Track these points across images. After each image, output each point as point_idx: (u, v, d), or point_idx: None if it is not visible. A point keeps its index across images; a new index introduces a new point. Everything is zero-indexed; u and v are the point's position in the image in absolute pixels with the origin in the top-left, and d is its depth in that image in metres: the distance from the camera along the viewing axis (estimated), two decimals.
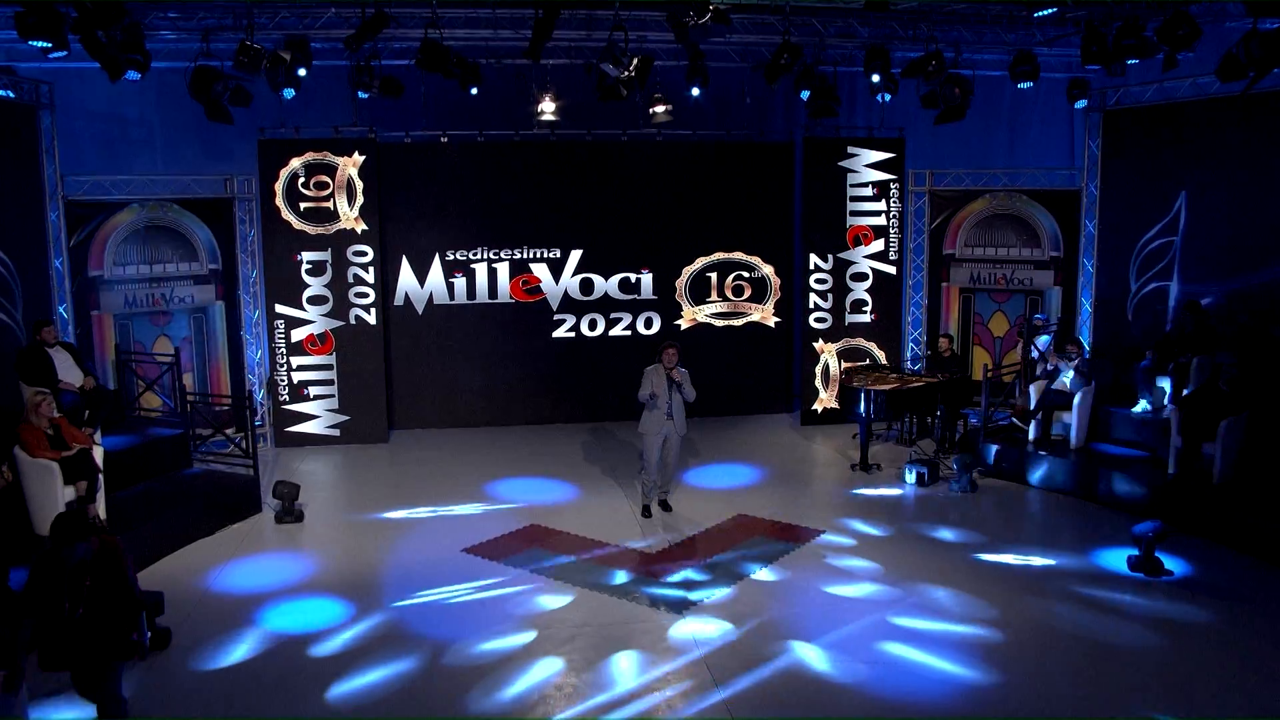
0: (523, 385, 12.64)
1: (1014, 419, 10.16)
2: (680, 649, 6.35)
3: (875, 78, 10.92)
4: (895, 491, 9.72)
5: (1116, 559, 7.77)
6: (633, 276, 12.70)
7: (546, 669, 6.11)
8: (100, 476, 7.74)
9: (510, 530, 8.64)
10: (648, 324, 12.73)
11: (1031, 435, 10.06)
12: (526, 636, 6.56)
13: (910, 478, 9.91)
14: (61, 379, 8.64)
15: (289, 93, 10.31)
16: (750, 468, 10.61)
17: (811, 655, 6.23)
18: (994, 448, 10.10)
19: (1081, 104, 11.38)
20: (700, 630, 6.60)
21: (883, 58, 10.79)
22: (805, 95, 11.38)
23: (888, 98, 11.14)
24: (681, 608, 6.97)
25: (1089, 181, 11.52)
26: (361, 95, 10.97)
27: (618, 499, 9.57)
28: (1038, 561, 7.80)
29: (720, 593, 7.23)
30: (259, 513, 9.17)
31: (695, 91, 11.03)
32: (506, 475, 10.37)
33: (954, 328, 12.51)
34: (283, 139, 11.19)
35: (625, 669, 6.09)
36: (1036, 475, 9.73)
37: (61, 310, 9.92)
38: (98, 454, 7.85)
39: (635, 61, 8.95)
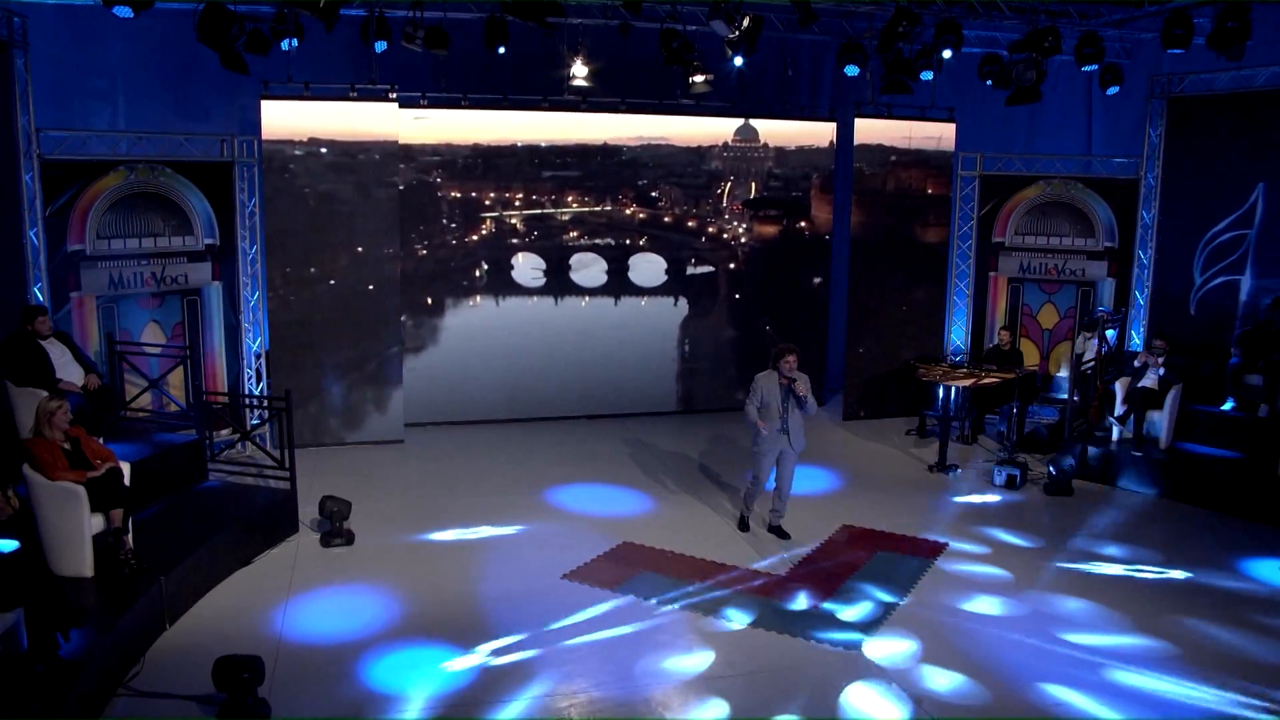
0: (545, 377, 11.53)
1: (1113, 420, 9.62)
2: (894, 703, 5.48)
3: (947, 53, 10.26)
4: (989, 496, 9.09)
5: (1268, 571, 7.32)
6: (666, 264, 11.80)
7: None
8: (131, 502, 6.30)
9: (603, 551, 7.58)
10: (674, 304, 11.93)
11: (1117, 435, 9.61)
12: (697, 684, 5.57)
13: (1000, 480, 9.32)
14: (60, 378, 7.08)
15: (288, 43, 8.91)
16: (819, 470, 9.77)
17: (1045, 698, 5.48)
18: (1078, 447, 9.59)
19: (1113, 90, 10.96)
20: (902, 676, 5.74)
21: (955, 32, 10.10)
22: (852, 70, 10.63)
23: (930, 75, 10.47)
24: (851, 643, 6.11)
25: (1147, 170, 11.13)
26: (379, 47, 9.63)
27: (699, 508, 8.63)
28: (1196, 579, 7.24)
29: (886, 624, 6.39)
30: (295, 533, 7.82)
31: (738, 61, 10.05)
32: (560, 482, 9.26)
33: (1000, 319, 12.01)
34: (290, 95, 9.65)
35: None
36: (1129, 478, 9.27)
37: (36, 291, 8.22)
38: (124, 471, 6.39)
39: (747, 21, 7.93)
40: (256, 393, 10.13)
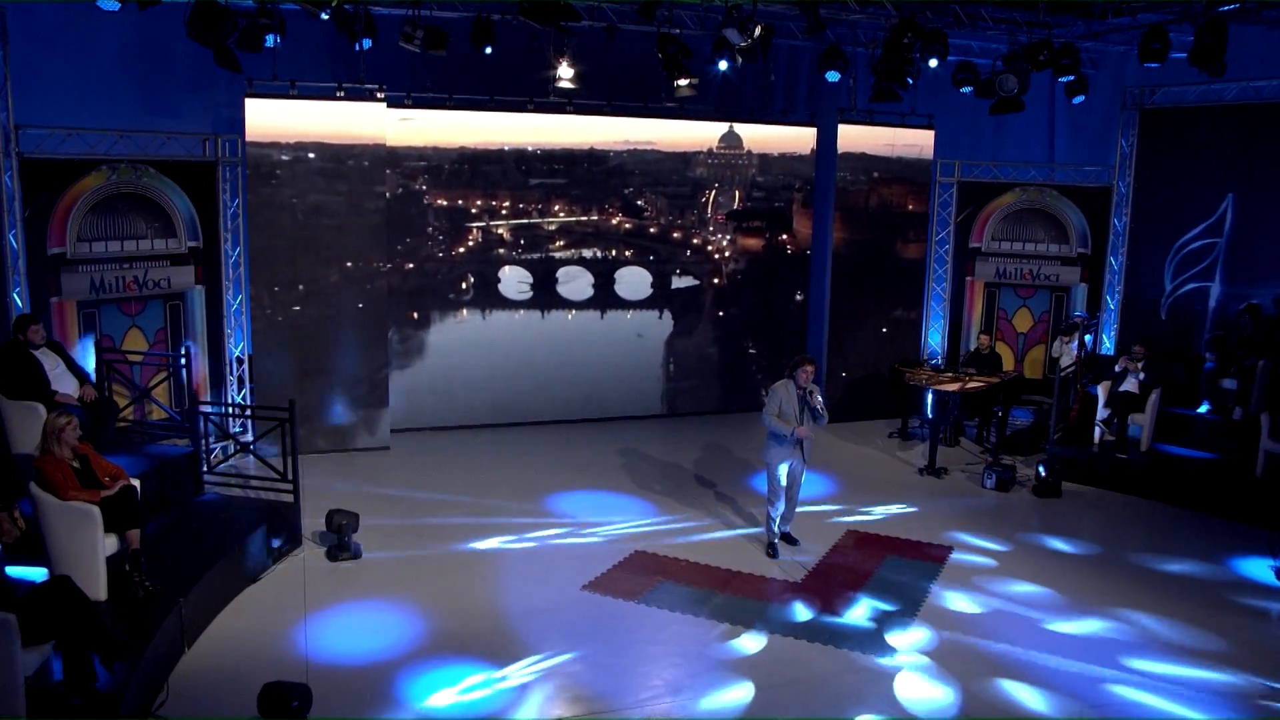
0: (532, 385, 11.43)
1: (1100, 423, 9.88)
2: (925, 711, 5.56)
3: (933, 62, 10.44)
4: (981, 499, 9.30)
5: (1257, 569, 7.64)
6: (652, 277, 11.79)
7: None
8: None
9: (618, 560, 7.53)
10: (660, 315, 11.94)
11: (1099, 437, 9.90)
12: (743, 693, 5.60)
13: (989, 483, 9.53)
14: (56, 390, 6.74)
15: (272, 39, 8.65)
16: (811, 474, 9.74)
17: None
18: (1061, 450, 9.85)
19: (1079, 99, 11.28)
20: (928, 683, 5.82)
21: (941, 43, 10.29)
22: (833, 76, 10.78)
23: (909, 82, 10.65)
24: (883, 649, 6.19)
25: (1120, 179, 11.49)
26: (365, 44, 9.38)
27: (699, 514, 8.67)
28: (1190, 576, 7.53)
29: (912, 629, 6.49)
30: (299, 547, 7.58)
31: (723, 65, 10.08)
32: (559, 489, 9.17)
33: (977, 323, 12.28)
34: (276, 94, 9.34)
35: None
36: (1113, 479, 9.56)
37: (15, 296, 7.81)
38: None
39: (759, 29, 7.93)
40: (239, 399, 9.81)
